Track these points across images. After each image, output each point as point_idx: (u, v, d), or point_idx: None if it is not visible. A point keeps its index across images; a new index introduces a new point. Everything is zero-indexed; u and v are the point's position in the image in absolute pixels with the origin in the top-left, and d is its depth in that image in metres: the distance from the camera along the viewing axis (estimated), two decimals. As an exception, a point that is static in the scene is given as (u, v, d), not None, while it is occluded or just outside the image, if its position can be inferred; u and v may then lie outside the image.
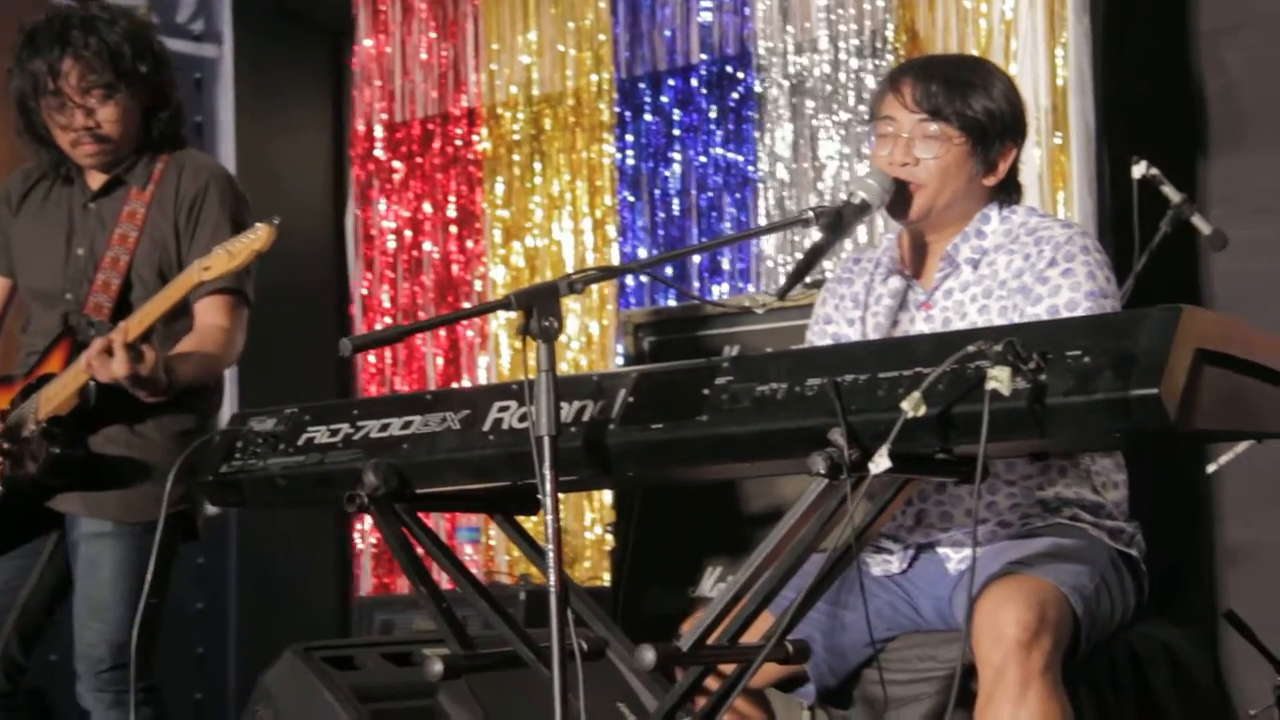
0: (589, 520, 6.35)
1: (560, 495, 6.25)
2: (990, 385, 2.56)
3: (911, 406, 2.62)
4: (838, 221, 3.24)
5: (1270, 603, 5.11)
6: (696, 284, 6.15)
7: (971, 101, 3.33)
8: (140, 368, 3.96)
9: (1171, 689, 3.33)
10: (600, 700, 3.85)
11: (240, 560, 6.68)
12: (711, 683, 3.05)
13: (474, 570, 5.87)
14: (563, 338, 6.44)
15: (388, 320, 6.83)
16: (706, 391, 2.84)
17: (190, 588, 6.42)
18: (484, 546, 6.33)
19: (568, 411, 2.93)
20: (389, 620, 5.77)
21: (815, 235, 3.29)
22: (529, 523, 3.28)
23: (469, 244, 6.75)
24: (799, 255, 4.20)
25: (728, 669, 2.98)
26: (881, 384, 2.71)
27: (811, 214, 3.22)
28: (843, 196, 3.37)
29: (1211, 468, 4.52)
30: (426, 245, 6.84)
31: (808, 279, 3.37)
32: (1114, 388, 2.52)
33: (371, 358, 6.90)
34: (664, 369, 2.97)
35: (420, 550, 3.13)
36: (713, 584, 5.07)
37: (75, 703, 4.25)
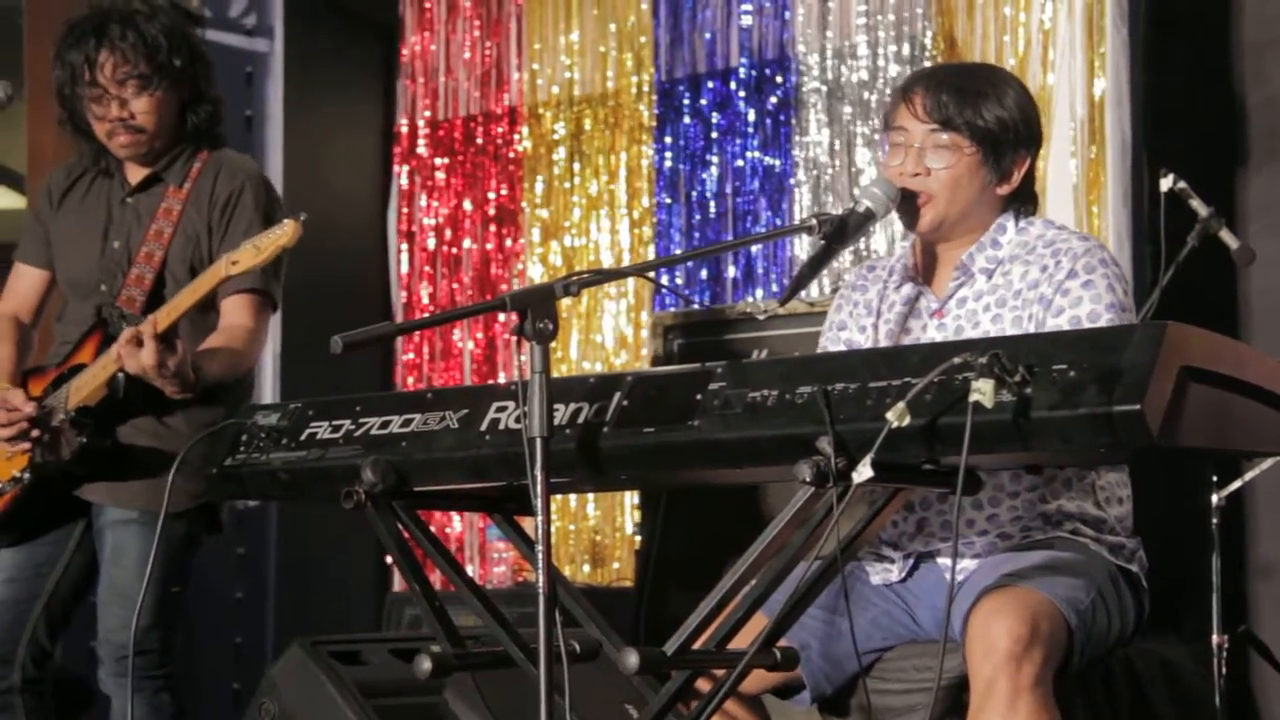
0: (620, 521, 6.37)
1: (591, 495, 6.28)
2: (974, 397, 2.56)
3: (896, 417, 2.61)
4: (841, 230, 3.23)
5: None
6: (729, 288, 6.17)
7: (983, 111, 3.31)
8: (169, 360, 4.00)
9: (1170, 705, 3.31)
10: (607, 701, 3.87)
11: (280, 551, 6.72)
12: (706, 685, 3.05)
13: (504, 568, 5.89)
14: (596, 338, 6.49)
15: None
16: (699, 397, 2.84)
17: (230, 577, 6.46)
18: (516, 544, 6.34)
19: (563, 413, 2.94)
20: (418, 616, 5.78)
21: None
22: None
23: (508, 242, 6.79)
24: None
25: (721, 672, 2.98)
26: (871, 393, 2.70)
27: (815, 222, 3.22)
28: (848, 204, 3.36)
29: (1234, 485, 4.49)
30: (466, 243, 6.87)
31: (828, 283, 3.36)
32: (1098, 403, 2.51)
33: (410, 353, 6.94)
34: (659, 373, 2.98)
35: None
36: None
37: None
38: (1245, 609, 5.28)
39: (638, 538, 6.08)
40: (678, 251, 6.21)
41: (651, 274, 3.15)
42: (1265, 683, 5.11)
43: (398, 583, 6.77)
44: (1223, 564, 3.92)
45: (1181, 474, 3.99)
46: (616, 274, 3.64)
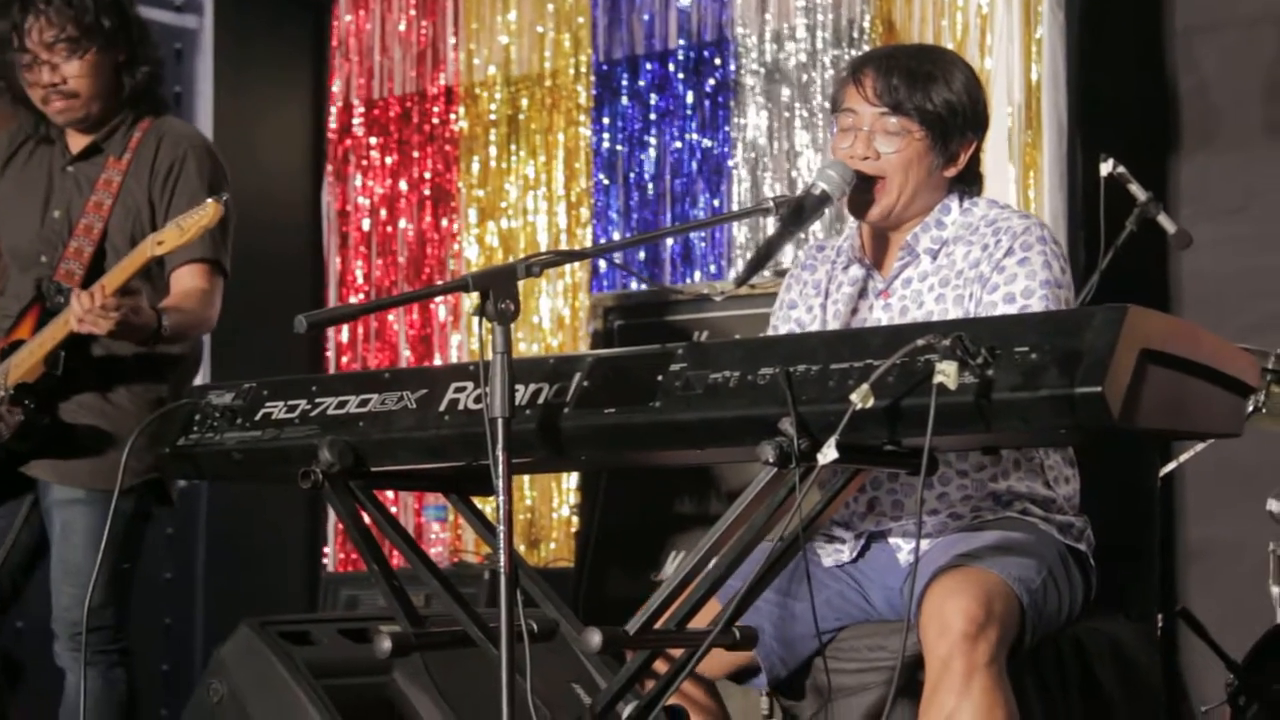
0: (556, 502, 6.37)
1: (528, 476, 6.29)
2: (937, 379, 2.57)
3: (860, 398, 2.63)
4: (798, 212, 3.25)
5: (1228, 600, 5.15)
6: (669, 270, 6.18)
7: (932, 94, 3.33)
8: (131, 307, 3.99)
9: (1118, 683, 3.35)
10: (556, 681, 3.87)
11: (210, 531, 6.68)
12: (662, 667, 3.07)
13: (441, 549, 5.89)
14: (534, 319, 6.50)
15: (360, 297, 6.83)
16: (660, 377, 2.84)
17: (159, 558, 6.42)
18: (451, 525, 6.34)
19: (523, 394, 2.93)
20: (355, 596, 5.77)
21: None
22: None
23: (444, 222, 6.77)
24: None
25: (677, 653, 2.99)
26: (833, 375, 2.72)
27: (772, 203, 3.23)
28: (804, 187, 3.38)
29: (1170, 466, 4.55)
30: (401, 223, 6.85)
31: (770, 267, 3.37)
32: (1059, 384, 2.53)
33: (345, 334, 6.91)
34: (620, 354, 2.98)
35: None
36: (674, 567, 5.08)
37: (42, 667, 4.28)
38: (1176, 588, 5.36)
39: (574, 519, 6.10)
40: (617, 234, 6.22)
41: (614, 255, 3.15)
42: (1195, 661, 5.18)
43: (330, 563, 6.76)
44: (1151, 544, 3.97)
45: (1122, 454, 4.04)
46: (578, 255, 3.64)
